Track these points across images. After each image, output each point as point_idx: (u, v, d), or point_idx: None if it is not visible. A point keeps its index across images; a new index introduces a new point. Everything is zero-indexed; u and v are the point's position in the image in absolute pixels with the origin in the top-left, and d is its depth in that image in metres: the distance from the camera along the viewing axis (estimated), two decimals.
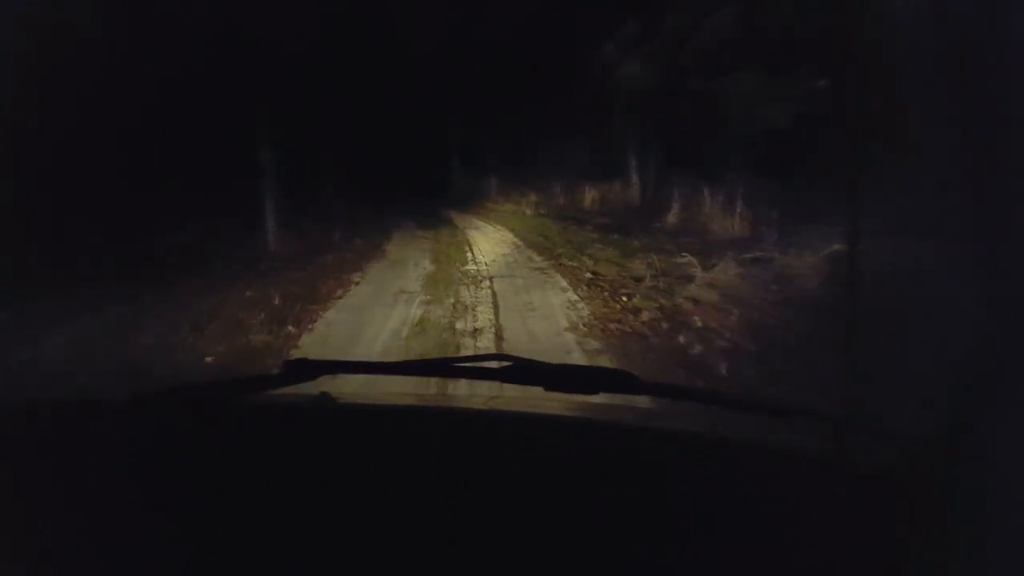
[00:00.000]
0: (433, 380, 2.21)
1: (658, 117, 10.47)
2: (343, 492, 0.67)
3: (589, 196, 12.28)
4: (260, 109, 7.20)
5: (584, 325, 4.34)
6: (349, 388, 1.22)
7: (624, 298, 5.07)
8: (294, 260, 6.98)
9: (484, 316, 4.66)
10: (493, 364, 0.91)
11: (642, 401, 0.91)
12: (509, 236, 9.28)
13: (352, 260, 7.28)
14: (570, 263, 6.80)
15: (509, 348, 3.89)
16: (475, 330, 4.28)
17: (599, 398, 0.87)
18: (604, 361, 3.60)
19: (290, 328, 4.49)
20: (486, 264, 6.93)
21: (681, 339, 3.91)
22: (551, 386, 0.86)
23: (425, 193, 17.46)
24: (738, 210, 8.52)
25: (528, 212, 12.04)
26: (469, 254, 7.65)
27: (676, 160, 10.70)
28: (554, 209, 12.29)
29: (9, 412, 0.88)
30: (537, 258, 7.30)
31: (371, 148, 16.83)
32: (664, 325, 4.26)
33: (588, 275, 6.14)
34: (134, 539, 0.60)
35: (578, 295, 5.38)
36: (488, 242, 8.68)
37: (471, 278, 6.19)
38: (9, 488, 0.66)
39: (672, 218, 9.83)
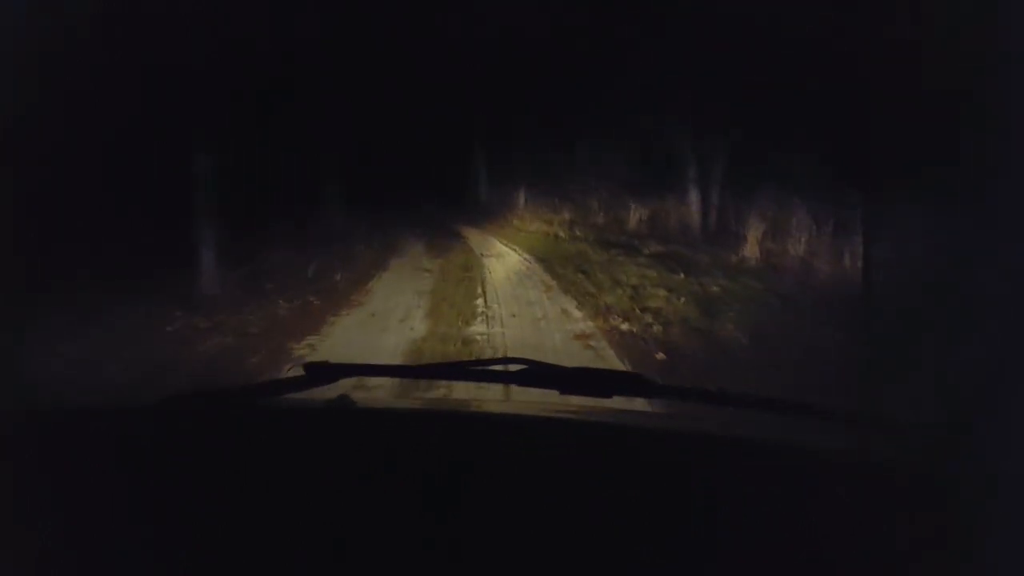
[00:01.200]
0: (450, 383, 2.43)
1: (725, 115, 8.20)
2: (361, 494, 0.67)
3: (635, 214, 10.05)
4: (201, 100, 5.16)
5: None
6: (368, 391, 1.39)
7: None
8: (230, 310, 4.91)
9: None
10: (509, 367, 0.93)
11: (657, 404, 0.95)
12: (538, 270, 7.10)
13: (315, 310, 5.19)
14: (625, 324, 4.61)
15: None
16: None
17: (614, 402, 0.89)
18: None
19: None
20: (502, 322, 4.77)
21: None
22: (566, 390, 0.90)
23: (439, 206, 15.51)
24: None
25: (561, 234, 9.86)
26: (481, 301, 5.50)
27: (749, 170, 8.47)
28: (592, 229, 10.08)
29: (33, 417, 0.88)
30: (576, 313, 5.10)
31: (376, 152, 15.01)
32: None
33: (660, 355, 3.94)
34: (155, 541, 0.60)
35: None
36: (509, 280, 6.52)
37: (476, 351, 4.05)
38: (37, 491, 0.66)
39: (751, 248, 7.55)
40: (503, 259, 7.99)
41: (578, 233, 9.75)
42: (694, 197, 9.34)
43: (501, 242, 9.67)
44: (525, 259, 7.80)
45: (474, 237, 10.38)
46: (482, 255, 8.27)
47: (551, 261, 7.49)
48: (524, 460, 0.75)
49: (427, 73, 12.33)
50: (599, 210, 11.02)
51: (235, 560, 0.58)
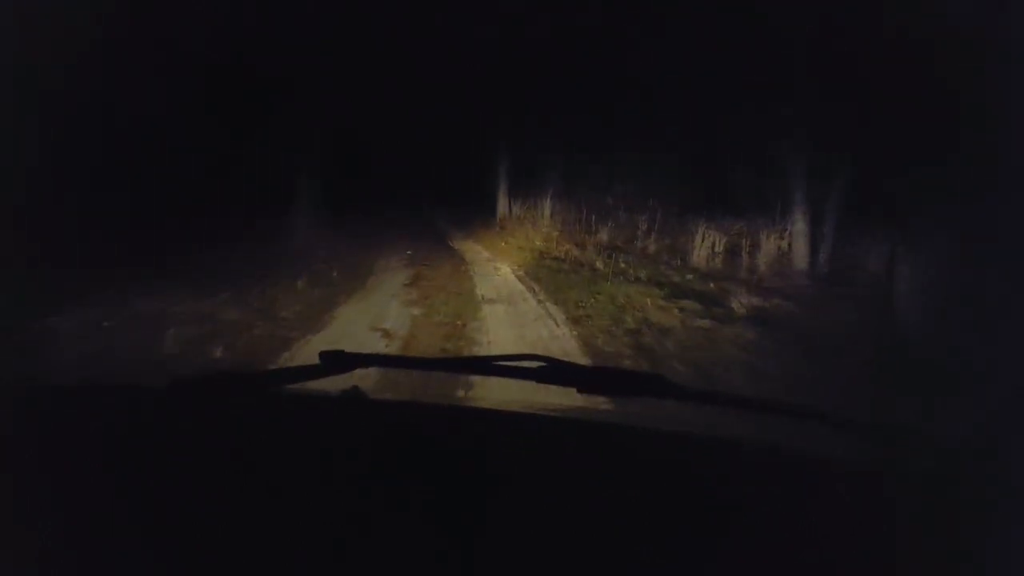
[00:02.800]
0: (466, 378, 2.41)
1: (855, 114, 5.35)
2: (369, 485, 0.66)
3: (703, 242, 7.21)
4: None
5: None
6: (383, 383, 1.38)
7: None
8: None
9: None
10: (528, 364, 0.92)
11: (674, 405, 0.88)
12: (568, 339, 4.28)
13: None
14: None
15: None
16: None
17: (632, 401, 0.92)
18: None
19: None
20: None
21: None
22: (585, 388, 0.90)
23: (445, 215, 12.72)
24: None
25: (599, 265, 7.04)
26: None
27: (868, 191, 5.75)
28: (643, 261, 7.24)
29: (53, 394, 0.89)
30: None
31: (371, 151, 12.37)
32: None
33: None
34: (161, 526, 0.60)
35: None
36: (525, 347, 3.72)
37: None
38: (61, 467, 0.67)
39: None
40: (515, 308, 5.18)
41: (623, 265, 6.92)
42: (800, 224, 6.46)
43: (516, 273, 6.87)
44: (550, 315, 4.97)
45: (479, 263, 7.60)
46: (484, 298, 5.48)
47: (591, 322, 4.66)
48: (539, 458, 0.74)
49: (438, 60, 9.81)
50: (649, 233, 8.19)
51: (242, 546, 0.57)
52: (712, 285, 5.89)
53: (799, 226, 6.42)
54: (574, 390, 0.89)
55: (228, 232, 7.05)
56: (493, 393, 2.11)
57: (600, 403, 0.93)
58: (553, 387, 0.89)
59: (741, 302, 5.21)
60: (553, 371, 0.91)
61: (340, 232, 8.94)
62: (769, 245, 6.82)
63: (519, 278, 6.58)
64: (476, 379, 2.30)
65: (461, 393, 2.37)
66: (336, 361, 0.93)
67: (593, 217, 9.14)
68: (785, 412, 0.85)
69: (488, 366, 1.07)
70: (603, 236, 8.60)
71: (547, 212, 10.60)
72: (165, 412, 0.83)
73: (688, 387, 0.89)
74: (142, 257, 5.17)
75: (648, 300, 5.26)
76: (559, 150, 11.24)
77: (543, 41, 8.82)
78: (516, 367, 0.94)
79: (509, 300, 5.45)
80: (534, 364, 0.91)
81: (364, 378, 0.93)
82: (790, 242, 6.65)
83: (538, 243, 8.33)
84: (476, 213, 11.90)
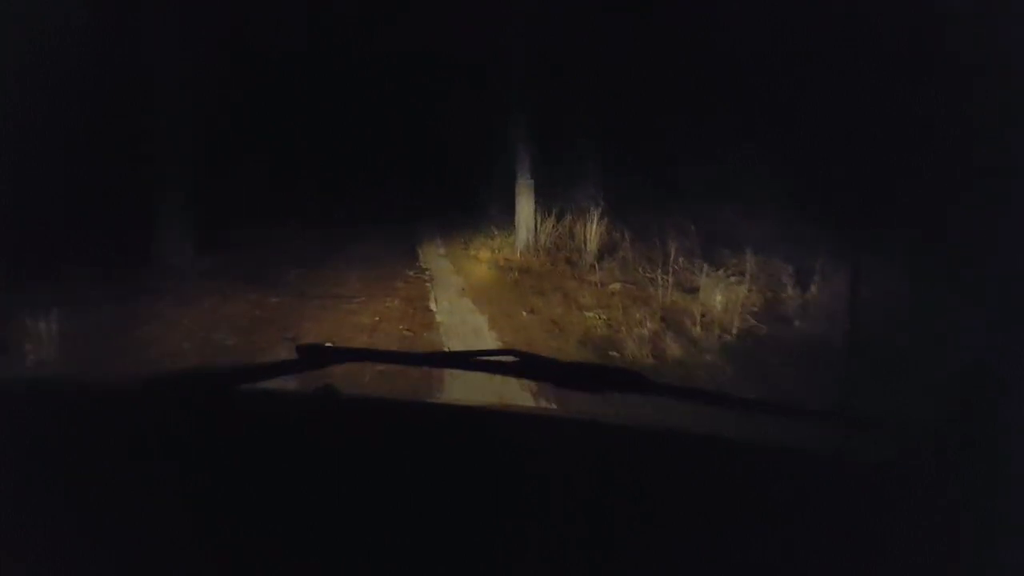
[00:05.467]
0: (442, 372, 2.40)
1: None
2: (343, 484, 0.66)
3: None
4: None
5: None
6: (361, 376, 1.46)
7: None
8: None
9: None
10: (504, 359, 0.92)
11: (651, 401, 0.89)
12: None
13: None
14: None
15: None
16: None
17: (608, 396, 0.90)
18: None
19: None
20: None
21: None
22: (561, 382, 0.90)
23: (428, 246, 8.65)
24: None
25: (675, 354, 2.98)
26: None
27: None
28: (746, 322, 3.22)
29: (16, 399, 0.87)
30: None
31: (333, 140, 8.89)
32: None
33: None
34: (134, 526, 0.58)
35: None
36: None
37: None
38: (11, 477, 0.64)
39: None
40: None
41: (711, 331, 2.87)
42: None
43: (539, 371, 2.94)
44: None
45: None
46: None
47: None
48: (513, 452, 0.74)
49: None
50: (739, 264, 4.16)
51: (218, 546, 0.56)
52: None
53: None
54: (550, 385, 0.93)
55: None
56: (470, 388, 2.13)
57: (575, 398, 0.90)
58: (529, 382, 0.92)
59: None
60: (529, 365, 0.93)
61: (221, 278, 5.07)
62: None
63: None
64: (452, 373, 2.34)
65: (437, 388, 2.41)
66: (311, 356, 0.92)
67: (693, 249, 5.14)
68: (759, 408, 0.88)
69: (465, 361, 1.08)
70: (666, 277, 4.59)
71: (593, 243, 6.61)
72: (137, 412, 0.80)
73: (663, 383, 0.89)
74: None
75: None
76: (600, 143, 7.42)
77: None
78: (493, 362, 0.94)
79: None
80: (510, 359, 0.90)
81: (339, 374, 0.89)
82: None
83: (598, 321, 4.28)
84: (481, 228, 8.00)
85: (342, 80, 10.44)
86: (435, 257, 7.51)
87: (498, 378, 0.93)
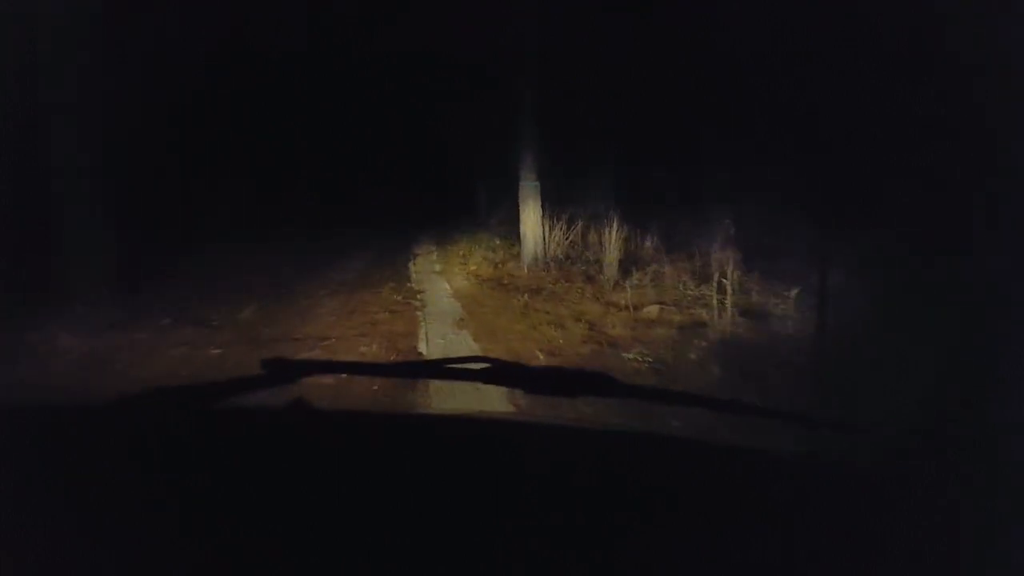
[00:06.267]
0: (412, 382, 2.45)
1: None
2: (320, 498, 0.64)
3: None
4: None
5: None
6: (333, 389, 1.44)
7: None
8: None
9: None
10: (475, 366, 0.91)
11: (621, 404, 0.84)
12: None
13: None
14: None
15: None
16: None
17: (579, 401, 0.88)
18: None
19: None
20: None
21: None
22: (533, 388, 0.89)
23: (418, 258, 7.39)
24: None
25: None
26: None
27: None
28: None
29: None
30: None
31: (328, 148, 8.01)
32: None
33: None
34: (106, 541, 0.57)
35: None
36: None
37: None
38: None
39: None
40: None
41: None
42: None
43: None
44: None
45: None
46: None
47: None
48: (486, 459, 0.73)
49: None
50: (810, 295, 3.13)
51: (186, 560, 0.55)
52: None
53: None
54: (521, 391, 0.93)
55: None
56: (441, 396, 2.12)
57: (547, 403, 0.89)
58: (501, 388, 0.89)
59: None
60: (501, 372, 0.92)
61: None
62: None
63: None
64: (423, 383, 2.34)
65: (408, 397, 2.41)
66: (283, 370, 0.91)
67: (735, 272, 4.02)
68: (730, 409, 0.88)
69: (435, 369, 1.08)
70: (724, 299, 3.49)
71: (613, 254, 5.52)
72: (107, 431, 0.78)
73: (633, 386, 0.86)
74: None
75: None
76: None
77: None
78: (462, 369, 0.93)
79: None
80: (480, 366, 0.89)
81: (308, 387, 0.88)
82: None
83: (643, 366, 3.18)
84: (482, 238, 6.92)
85: (338, 80, 9.54)
86: (430, 275, 6.43)
87: (474, 385, 0.90)
